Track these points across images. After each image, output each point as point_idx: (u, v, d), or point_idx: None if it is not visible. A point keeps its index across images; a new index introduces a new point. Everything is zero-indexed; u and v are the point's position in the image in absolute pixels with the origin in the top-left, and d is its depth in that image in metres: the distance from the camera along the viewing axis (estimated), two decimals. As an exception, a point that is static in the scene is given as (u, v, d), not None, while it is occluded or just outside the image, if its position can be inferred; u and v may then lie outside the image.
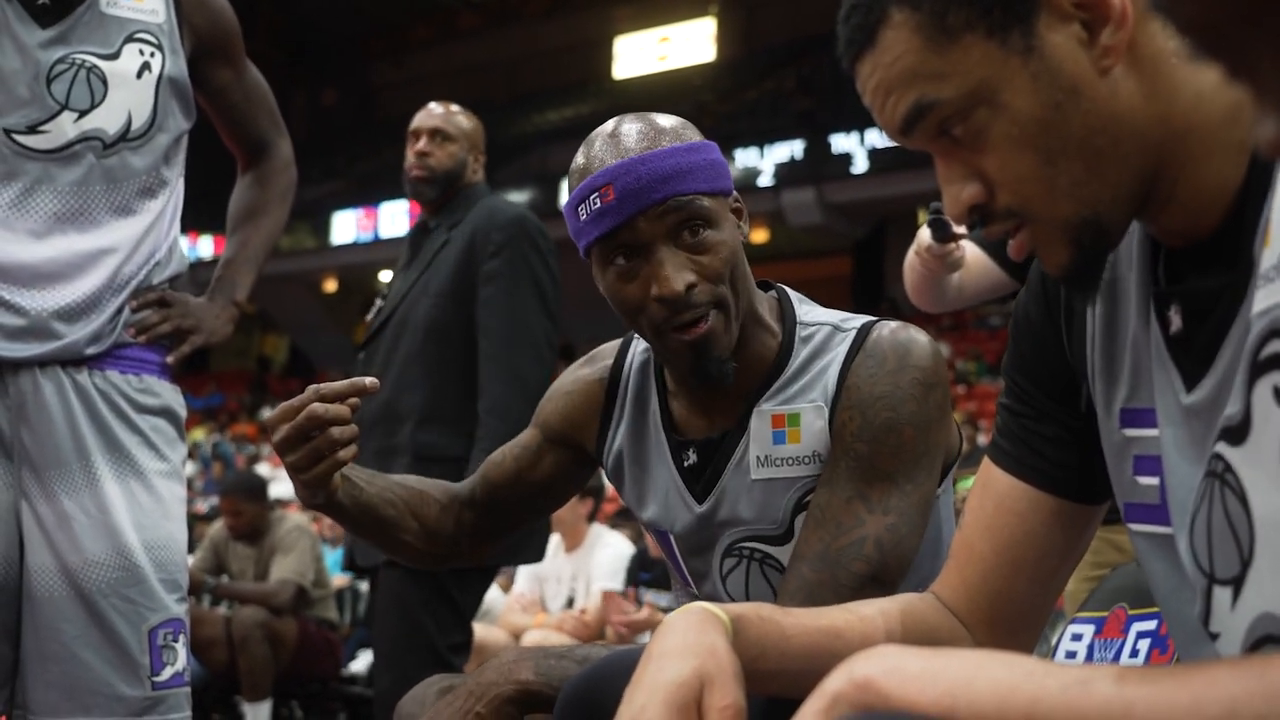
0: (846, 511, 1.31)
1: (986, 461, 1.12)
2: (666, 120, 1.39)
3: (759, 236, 20.01)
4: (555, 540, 5.01)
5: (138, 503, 1.85)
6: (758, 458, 1.40)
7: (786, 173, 18.90)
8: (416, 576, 2.73)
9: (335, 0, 26.41)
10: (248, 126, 2.14)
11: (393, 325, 2.98)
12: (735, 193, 1.41)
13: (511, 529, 1.64)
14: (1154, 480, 0.95)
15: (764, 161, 19.08)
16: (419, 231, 3.11)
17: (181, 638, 1.87)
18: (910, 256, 2.25)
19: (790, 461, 1.38)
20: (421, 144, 3.05)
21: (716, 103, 22.74)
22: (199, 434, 20.11)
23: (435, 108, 3.12)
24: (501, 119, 25.51)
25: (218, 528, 5.50)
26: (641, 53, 25.95)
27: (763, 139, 19.19)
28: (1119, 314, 0.97)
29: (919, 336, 1.37)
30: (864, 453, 1.33)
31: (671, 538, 1.49)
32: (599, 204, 1.33)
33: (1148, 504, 0.96)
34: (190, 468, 16.53)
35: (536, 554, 3.06)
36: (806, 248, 21.09)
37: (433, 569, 1.64)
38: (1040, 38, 0.86)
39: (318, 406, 1.31)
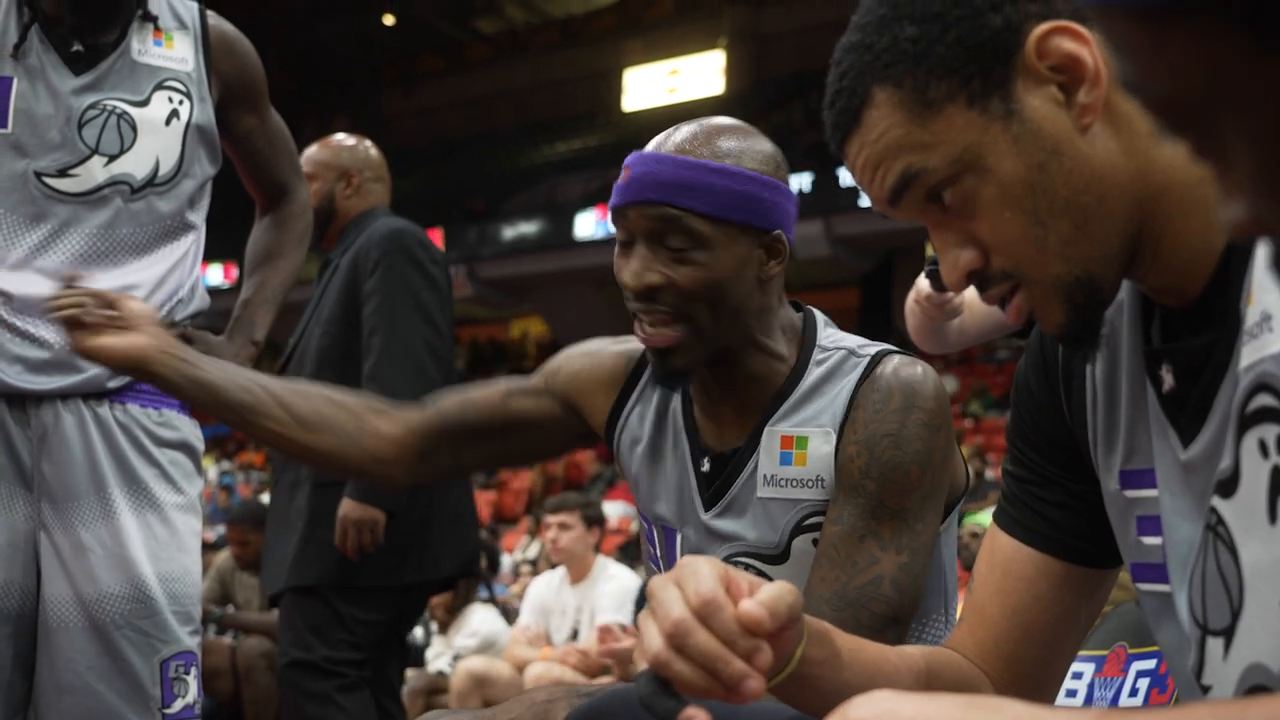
0: (860, 550, 1.34)
1: (993, 527, 1.13)
2: (728, 133, 1.41)
3: (766, 269, 20.05)
4: (560, 572, 5.03)
5: (153, 535, 1.88)
6: (765, 476, 1.42)
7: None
8: (305, 597, 2.79)
9: (347, 29, 26.63)
10: (270, 171, 2.19)
11: (295, 358, 2.99)
12: (779, 233, 1.41)
13: (465, 461, 1.59)
14: (1157, 540, 0.96)
15: (772, 194, 19.12)
16: (322, 269, 3.09)
17: (193, 670, 1.90)
18: (910, 303, 2.29)
19: (794, 483, 1.41)
20: None
21: (725, 135, 22.79)
22: (207, 463, 20.13)
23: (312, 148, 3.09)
24: (510, 150, 25.64)
25: (224, 557, 5.52)
26: (651, 85, 26.09)
27: (770, 172, 19.22)
28: (1116, 376, 1.00)
29: (925, 374, 1.39)
30: (873, 490, 1.35)
31: (678, 538, 1.51)
32: (619, 180, 1.41)
33: (1153, 563, 0.98)
34: (196, 495, 16.49)
35: (464, 565, 3.02)
36: (814, 280, 21.13)
37: (339, 475, 1.64)
38: (1019, 102, 0.89)
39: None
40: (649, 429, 1.54)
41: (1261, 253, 0.84)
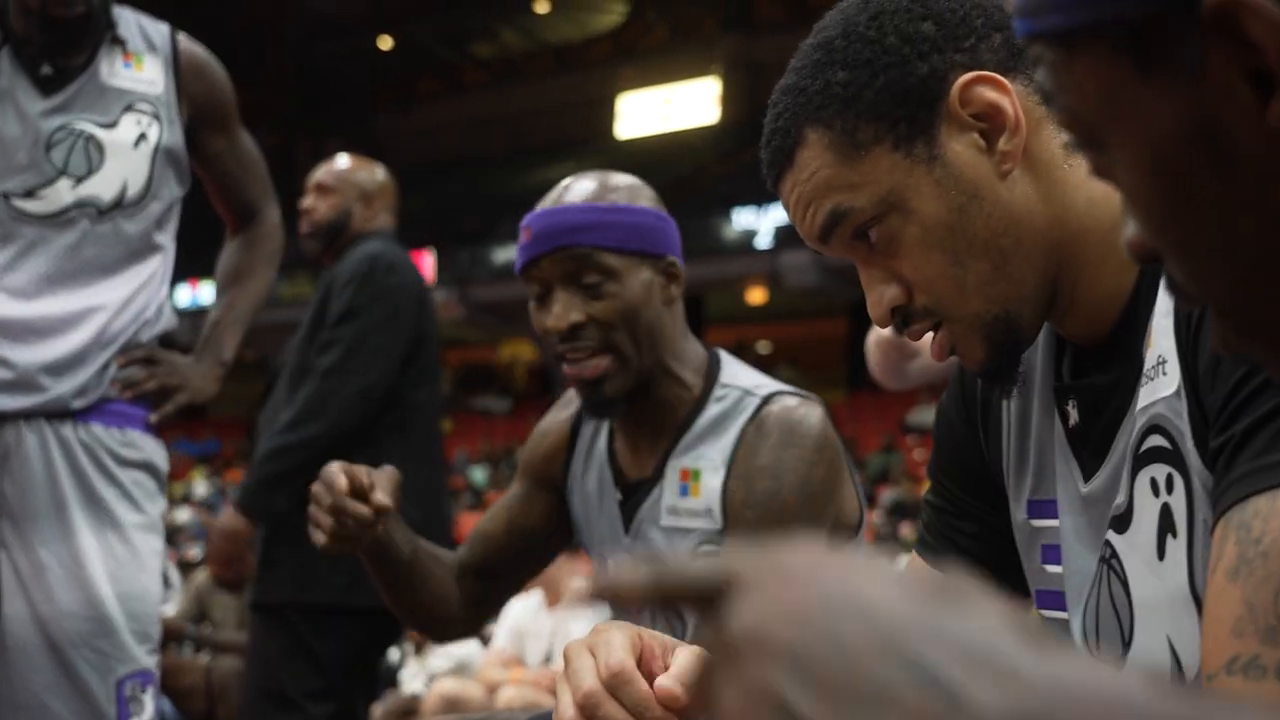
0: None
1: (914, 556, 1.16)
2: (616, 181, 1.55)
3: (757, 298, 20.13)
4: (538, 596, 5.04)
5: (113, 555, 1.89)
6: (668, 507, 1.52)
7: (785, 234, 19.04)
8: (272, 625, 2.75)
9: (345, 51, 26.76)
10: (240, 192, 2.21)
11: (276, 380, 2.97)
12: (672, 258, 1.54)
13: (508, 589, 1.71)
14: (1059, 568, 1.00)
15: (762, 223, 19.25)
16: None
17: (150, 689, 1.91)
18: (870, 344, 2.32)
19: (691, 514, 1.51)
20: (307, 201, 2.97)
21: (716, 164, 22.99)
22: (196, 479, 20.07)
23: (326, 164, 3.05)
24: (504, 174, 25.73)
25: (203, 576, 5.53)
26: (645, 112, 26.24)
27: (762, 200, 19.38)
28: (1028, 409, 1.03)
29: (810, 414, 1.48)
30: (751, 519, 1.45)
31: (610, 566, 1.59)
32: (522, 241, 1.53)
33: (1054, 591, 1.01)
34: (185, 514, 16.50)
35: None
36: (804, 309, 21.21)
37: (437, 639, 1.70)
38: (943, 146, 0.92)
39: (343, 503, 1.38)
40: (584, 469, 1.64)
41: (1163, 299, 0.87)
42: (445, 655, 5.24)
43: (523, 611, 5.06)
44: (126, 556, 1.91)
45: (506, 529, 1.66)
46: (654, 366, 1.52)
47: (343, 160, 3.03)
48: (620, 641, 0.85)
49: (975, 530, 1.11)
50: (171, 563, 7.81)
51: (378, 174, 3.03)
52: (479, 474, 19.48)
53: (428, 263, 21.69)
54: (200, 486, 19.45)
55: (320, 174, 3.00)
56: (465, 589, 1.64)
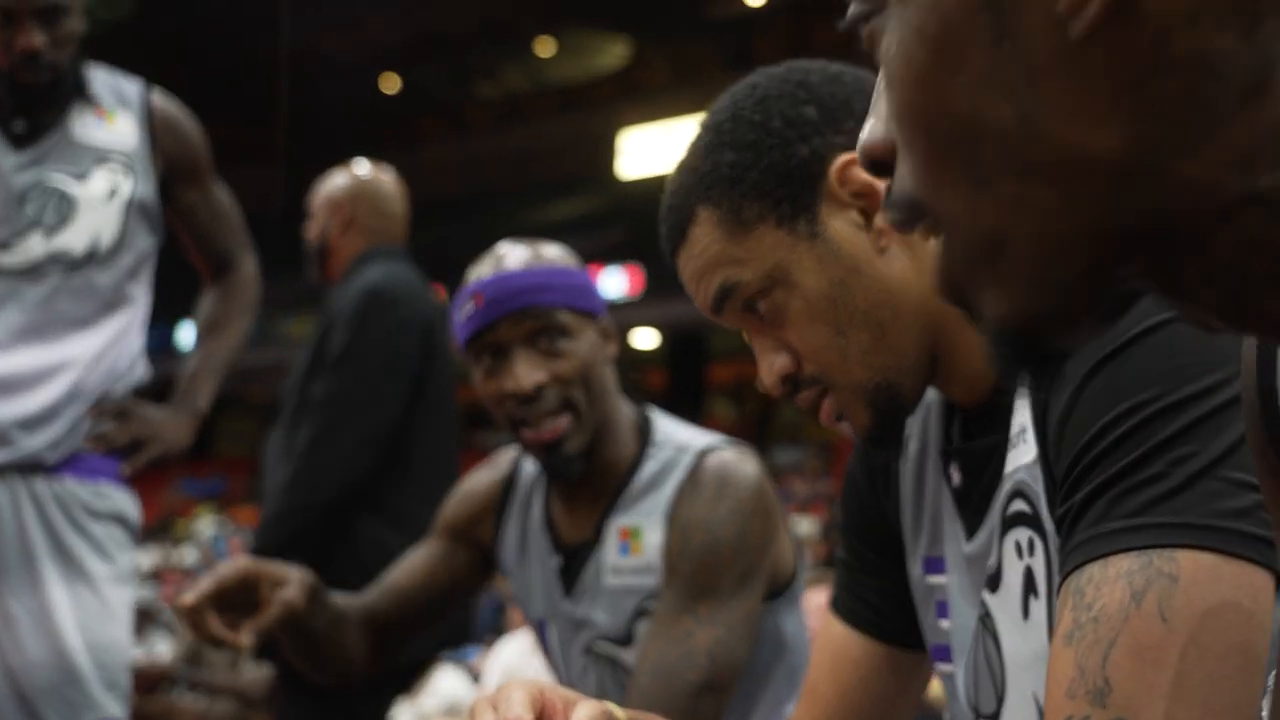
0: (677, 626, 1.44)
1: (828, 613, 1.20)
2: (547, 249, 1.59)
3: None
4: (529, 638, 5.05)
5: (83, 606, 1.94)
6: (610, 567, 1.55)
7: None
8: (307, 693, 2.55)
9: (349, 92, 26.98)
10: (214, 243, 2.26)
11: (279, 419, 2.77)
12: (606, 319, 1.59)
13: (416, 635, 1.73)
14: (950, 623, 1.04)
15: (764, 259, 19.25)
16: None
17: (118, 737, 1.95)
18: None
19: (634, 572, 1.53)
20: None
21: (719, 200, 22.97)
22: (204, 517, 20.04)
23: None
24: (507, 212, 25.85)
25: (197, 618, 5.55)
26: (647, 150, 26.37)
27: (763, 236, 19.37)
28: (924, 470, 1.08)
29: (743, 468, 1.50)
30: (687, 572, 1.46)
31: (549, 630, 1.63)
32: (471, 309, 1.53)
33: (947, 645, 1.05)
34: (192, 554, 16.49)
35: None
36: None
37: (332, 686, 1.68)
38: (823, 224, 0.98)
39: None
40: (519, 533, 1.67)
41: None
42: (436, 695, 5.25)
43: (514, 653, 5.07)
44: (96, 607, 1.95)
45: (425, 586, 1.67)
46: (600, 426, 1.55)
47: (344, 170, 2.80)
48: (520, 698, 0.88)
49: (880, 586, 1.15)
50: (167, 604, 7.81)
51: (358, 184, 2.76)
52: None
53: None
54: (206, 526, 19.42)
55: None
56: (372, 638, 1.65)
